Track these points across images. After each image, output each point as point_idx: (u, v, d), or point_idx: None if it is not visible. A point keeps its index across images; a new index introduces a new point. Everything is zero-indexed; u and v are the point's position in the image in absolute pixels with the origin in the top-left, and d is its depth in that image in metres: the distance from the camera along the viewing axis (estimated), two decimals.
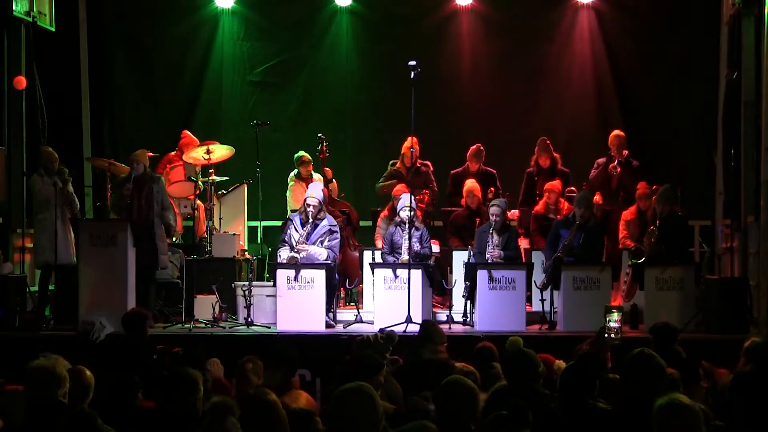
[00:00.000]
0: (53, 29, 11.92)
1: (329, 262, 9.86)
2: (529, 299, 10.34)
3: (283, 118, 13.03)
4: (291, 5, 13.37)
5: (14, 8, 11.04)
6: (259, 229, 12.12)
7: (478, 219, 11.04)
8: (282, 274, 9.76)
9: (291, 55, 13.41)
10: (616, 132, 11.71)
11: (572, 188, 11.55)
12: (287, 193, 11.70)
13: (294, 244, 9.95)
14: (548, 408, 4.95)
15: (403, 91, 10.08)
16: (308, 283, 9.70)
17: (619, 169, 11.45)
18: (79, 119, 12.67)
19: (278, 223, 11.50)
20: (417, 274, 9.74)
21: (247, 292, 10.01)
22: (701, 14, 12.78)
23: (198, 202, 11.37)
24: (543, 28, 13.30)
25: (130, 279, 9.69)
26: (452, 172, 11.92)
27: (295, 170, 11.67)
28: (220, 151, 11.43)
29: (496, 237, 10.21)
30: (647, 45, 13.04)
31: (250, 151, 11.76)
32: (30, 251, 10.70)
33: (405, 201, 10.21)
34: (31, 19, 11.31)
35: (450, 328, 9.79)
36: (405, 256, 10.03)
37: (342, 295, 11.06)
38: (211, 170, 11.30)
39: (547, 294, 10.04)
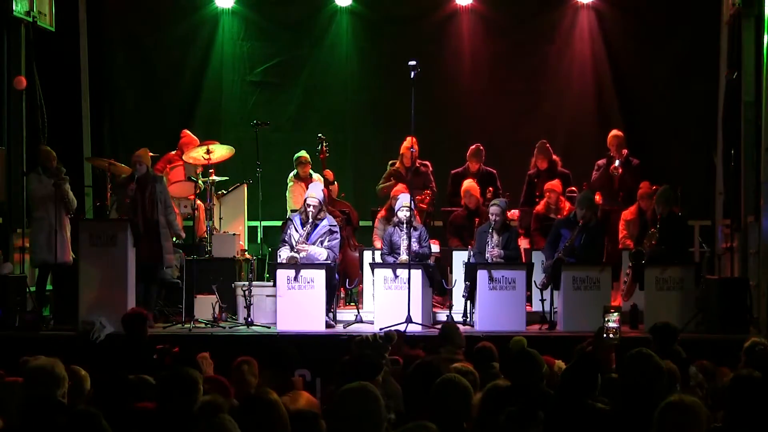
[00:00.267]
0: (53, 29, 11.91)
1: (329, 262, 9.86)
2: (529, 299, 10.35)
3: (283, 118, 13.03)
4: (291, 5, 13.37)
5: (14, 8, 11.04)
6: (259, 229, 12.13)
7: (477, 219, 11.04)
8: (282, 274, 9.77)
9: (291, 55, 13.41)
10: (614, 132, 11.72)
11: (573, 188, 11.55)
12: (287, 194, 11.70)
13: (294, 244, 9.95)
14: (550, 408, 4.95)
15: (403, 91, 10.09)
16: (308, 283, 9.70)
17: (620, 170, 11.46)
18: (79, 119, 12.65)
19: (278, 223, 11.50)
20: (417, 274, 9.75)
21: (247, 292, 10.01)
22: (701, 14, 12.77)
23: (198, 202, 11.37)
24: (543, 28, 13.30)
25: (130, 279, 9.69)
26: (452, 172, 11.93)
27: (295, 170, 11.68)
28: (220, 151, 11.43)
29: (495, 237, 10.22)
30: (647, 45, 13.04)
31: (250, 151, 11.77)
32: (28, 251, 10.70)
33: (403, 201, 10.21)
34: (31, 19, 11.31)
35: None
36: (404, 256, 10.03)
37: (342, 295, 11.06)
38: (211, 170, 11.30)
39: (547, 294, 10.05)
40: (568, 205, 11.17)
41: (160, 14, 13.32)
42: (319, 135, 11.70)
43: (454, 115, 13.22)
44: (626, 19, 13.13)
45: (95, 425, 4.41)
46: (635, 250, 10.08)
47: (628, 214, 11.14)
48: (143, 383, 5.49)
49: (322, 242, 9.96)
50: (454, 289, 10.47)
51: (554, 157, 11.85)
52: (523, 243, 11.21)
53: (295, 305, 9.70)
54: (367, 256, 11.04)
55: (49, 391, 4.78)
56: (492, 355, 6.72)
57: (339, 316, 10.28)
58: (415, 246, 10.13)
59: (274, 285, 9.89)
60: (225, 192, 12.05)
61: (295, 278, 9.72)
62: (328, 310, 9.84)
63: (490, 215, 10.31)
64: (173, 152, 11.96)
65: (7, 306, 9.78)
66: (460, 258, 10.57)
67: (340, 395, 4.07)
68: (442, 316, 10.35)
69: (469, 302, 10.13)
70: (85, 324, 9.43)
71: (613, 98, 13.08)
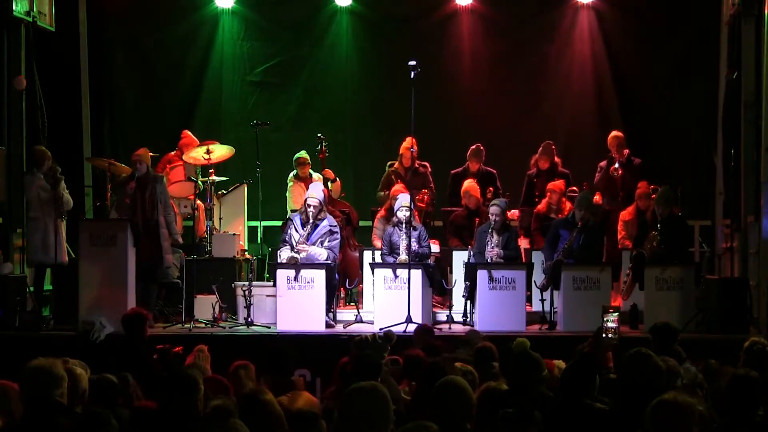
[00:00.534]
0: (53, 29, 11.91)
1: (329, 262, 9.86)
2: (529, 299, 10.35)
3: (283, 118, 13.02)
4: (291, 5, 13.36)
5: (14, 8, 11.04)
6: (259, 229, 12.13)
7: (477, 219, 11.04)
8: (282, 274, 9.77)
9: (291, 55, 13.41)
10: (614, 133, 11.73)
11: (574, 188, 11.55)
12: (287, 194, 11.71)
13: (294, 244, 9.95)
14: (549, 410, 4.96)
15: (403, 91, 10.09)
16: (308, 283, 9.70)
17: (620, 171, 11.46)
18: (79, 119, 12.65)
19: (278, 223, 11.50)
20: (417, 274, 9.75)
21: (247, 292, 10.01)
22: (701, 14, 12.78)
23: (198, 202, 11.37)
24: (543, 28, 13.30)
25: (130, 279, 9.69)
26: (452, 172, 11.93)
27: (294, 171, 11.69)
28: (220, 151, 11.43)
29: (495, 237, 10.22)
30: (647, 45, 13.04)
31: (250, 151, 11.77)
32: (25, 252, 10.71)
33: (402, 201, 10.21)
34: (31, 19, 11.30)
35: (450, 328, 9.81)
36: (404, 256, 10.03)
37: (342, 295, 11.06)
38: (211, 170, 11.30)
39: (547, 294, 10.06)
40: (569, 205, 11.17)
41: (160, 14, 13.32)
42: (319, 135, 11.70)
43: (454, 115, 13.22)
44: (626, 19, 13.13)
45: (105, 425, 4.41)
46: (636, 252, 10.07)
47: (626, 214, 11.14)
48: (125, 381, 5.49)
49: (322, 242, 9.96)
50: (454, 289, 10.46)
51: (556, 159, 11.86)
52: (523, 243, 11.22)
53: (295, 305, 9.70)
54: (367, 256, 11.04)
55: (48, 391, 4.77)
56: (492, 355, 6.72)
57: (339, 316, 10.28)
58: (414, 246, 10.13)
59: (274, 285, 9.89)
60: (225, 192, 12.06)
61: (295, 278, 9.72)
62: (328, 310, 9.84)
63: (490, 215, 10.31)
64: (173, 152, 11.96)
65: (7, 306, 9.78)
66: (460, 258, 10.57)
67: (350, 394, 4.07)
68: (442, 316, 10.35)
69: (469, 302, 10.13)
70: (85, 324, 9.42)
71: (613, 98, 13.09)
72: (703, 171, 12.51)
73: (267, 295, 10.17)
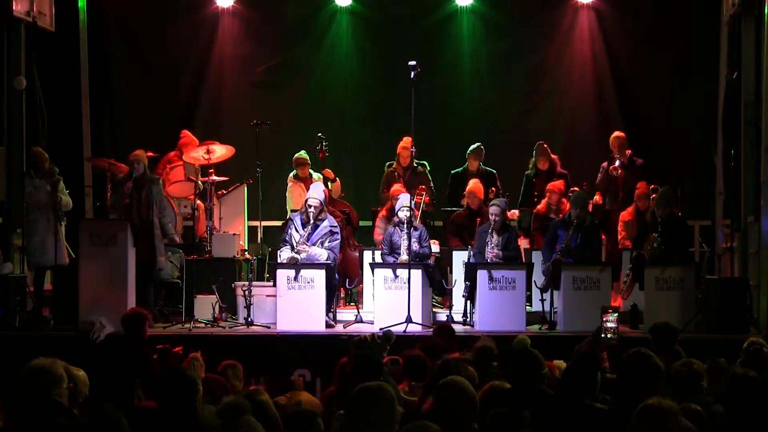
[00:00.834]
0: (53, 29, 11.91)
1: (329, 262, 9.86)
2: (529, 299, 10.35)
3: (283, 118, 13.01)
4: (291, 5, 13.37)
5: (14, 8, 11.04)
6: (259, 229, 12.13)
7: (479, 219, 11.03)
8: (282, 274, 9.76)
9: (291, 55, 13.41)
10: (616, 133, 11.75)
11: (575, 188, 11.55)
12: (287, 194, 11.70)
13: (295, 244, 9.95)
14: (548, 408, 4.96)
15: (403, 91, 10.09)
16: (308, 283, 9.70)
17: (620, 171, 11.47)
18: (79, 119, 12.65)
19: (278, 223, 11.50)
20: (417, 274, 9.74)
21: (247, 292, 10.01)
22: (701, 14, 12.78)
23: (198, 202, 11.37)
24: (543, 28, 13.31)
25: (130, 279, 9.69)
26: (452, 172, 11.93)
27: (294, 171, 11.69)
28: (220, 151, 11.43)
29: (495, 237, 10.22)
30: (647, 45, 13.04)
31: (250, 151, 11.76)
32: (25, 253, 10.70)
33: (403, 201, 10.21)
34: (31, 19, 11.30)
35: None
36: (404, 256, 10.03)
37: (342, 295, 11.06)
38: (211, 170, 11.30)
39: (547, 294, 10.05)
40: (569, 205, 11.16)
41: (160, 14, 13.32)
42: (319, 134, 11.70)
43: (454, 115, 13.23)
44: (626, 19, 13.13)
45: (115, 425, 4.41)
46: (637, 254, 10.06)
47: (626, 214, 11.14)
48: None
49: (322, 243, 9.96)
50: (454, 289, 10.46)
51: (552, 156, 11.86)
52: (523, 243, 11.22)
53: (295, 305, 9.70)
54: (367, 256, 11.04)
55: (47, 391, 4.77)
56: (492, 355, 6.72)
57: (339, 316, 10.28)
58: (415, 246, 10.13)
59: (274, 285, 9.89)
60: (225, 192, 12.06)
61: (295, 278, 9.72)
62: (328, 310, 9.84)
63: (490, 215, 10.32)
64: (173, 152, 11.96)
65: (7, 306, 9.78)
66: (460, 258, 10.57)
67: (356, 394, 4.07)
68: (443, 316, 10.35)
69: (469, 302, 10.13)
70: (84, 324, 9.42)
71: (613, 98, 13.09)
72: (703, 171, 12.51)
73: (267, 295, 10.17)
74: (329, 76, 13.39)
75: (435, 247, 11.00)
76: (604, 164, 11.66)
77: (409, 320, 9.46)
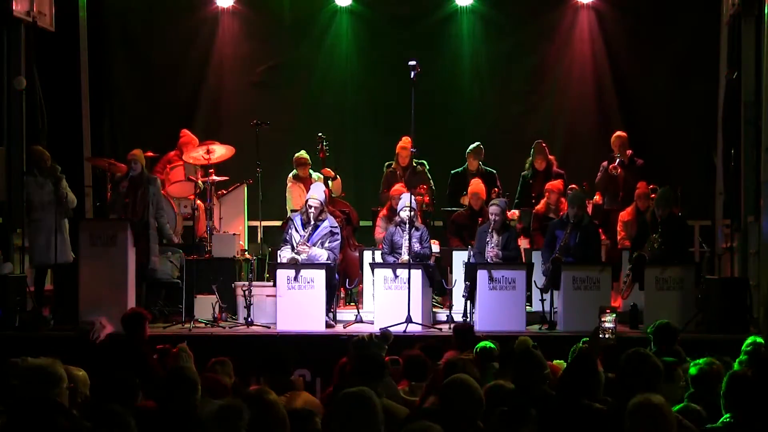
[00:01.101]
0: (53, 29, 11.91)
1: (329, 262, 9.86)
2: (529, 299, 10.35)
3: (283, 118, 13.00)
4: (291, 5, 13.36)
5: (14, 8, 11.04)
6: (259, 229, 12.13)
7: (480, 219, 11.02)
8: (282, 274, 9.77)
9: (291, 55, 13.42)
10: (617, 133, 11.77)
11: (574, 186, 11.54)
12: (286, 194, 11.71)
13: (295, 244, 9.95)
14: (547, 408, 4.96)
15: (403, 91, 10.09)
16: (308, 283, 9.70)
17: (619, 170, 11.48)
18: (79, 119, 12.64)
19: (278, 223, 11.50)
20: (417, 274, 9.74)
21: (247, 292, 10.01)
22: (701, 14, 12.79)
23: (198, 202, 11.37)
24: (543, 28, 13.31)
25: (130, 279, 9.70)
26: (452, 172, 11.94)
27: (294, 171, 11.69)
28: (220, 151, 11.43)
29: (495, 236, 10.22)
30: (647, 45, 13.05)
31: (250, 151, 11.76)
32: (27, 252, 10.70)
33: (405, 201, 10.21)
34: (31, 19, 11.30)
35: (450, 328, 9.80)
36: (405, 257, 10.03)
37: (342, 295, 11.06)
38: (211, 170, 11.30)
39: (547, 294, 10.05)
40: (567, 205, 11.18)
41: (160, 14, 13.33)
42: (320, 134, 11.71)
43: (453, 115, 13.24)
44: (626, 19, 13.13)
45: (124, 425, 4.42)
46: (637, 255, 10.05)
47: (625, 214, 11.14)
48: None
49: (323, 243, 9.96)
50: (454, 289, 10.46)
51: (549, 156, 11.87)
52: (523, 243, 11.22)
53: (295, 305, 9.70)
54: (367, 256, 11.04)
55: (46, 391, 4.77)
56: (492, 355, 6.72)
57: (339, 316, 10.28)
58: (416, 246, 10.13)
59: (274, 285, 9.89)
60: (225, 192, 12.06)
61: (295, 278, 9.72)
62: (328, 310, 9.84)
63: (490, 215, 10.32)
64: (173, 152, 11.96)
65: (7, 306, 9.78)
66: (460, 258, 10.57)
67: (340, 399, 4.07)
68: (443, 316, 10.35)
69: (469, 302, 10.12)
70: (84, 324, 9.42)
71: (613, 98, 13.09)
72: (703, 171, 12.50)
73: (267, 295, 10.17)
74: (329, 76, 13.39)
75: (435, 247, 11.00)
76: (604, 163, 11.66)
77: (409, 320, 9.46)
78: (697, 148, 12.70)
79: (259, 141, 11.58)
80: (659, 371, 4.79)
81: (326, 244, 9.96)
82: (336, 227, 10.11)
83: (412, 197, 10.35)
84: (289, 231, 10.11)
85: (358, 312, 10.36)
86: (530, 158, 11.86)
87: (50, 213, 9.97)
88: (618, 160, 11.50)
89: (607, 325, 5.98)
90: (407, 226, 10.11)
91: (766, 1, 10.29)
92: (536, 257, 10.65)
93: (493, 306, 9.77)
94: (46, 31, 11.75)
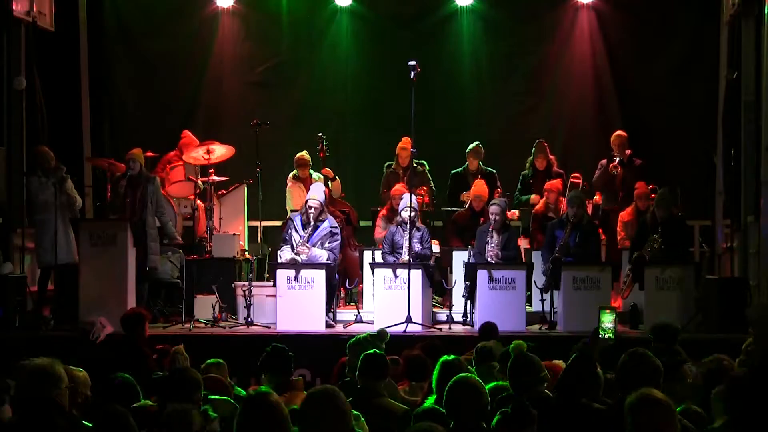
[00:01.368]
0: (53, 29, 11.91)
1: (329, 262, 9.86)
2: (529, 299, 10.35)
3: (283, 118, 13.01)
4: (291, 5, 13.36)
5: (14, 8, 11.04)
6: (259, 229, 12.13)
7: (482, 219, 11.02)
8: (282, 274, 9.77)
9: (291, 55, 13.41)
10: (617, 132, 11.76)
11: (577, 174, 11.50)
12: (286, 194, 11.71)
13: (295, 245, 9.95)
14: (547, 409, 4.96)
15: (403, 91, 10.09)
16: (308, 283, 9.70)
17: (619, 169, 11.47)
18: (79, 119, 12.65)
19: (278, 223, 11.50)
20: (417, 274, 9.74)
21: (247, 292, 10.01)
22: (701, 14, 12.79)
23: (198, 202, 11.36)
24: (543, 28, 13.30)
25: (130, 279, 9.70)
26: (453, 171, 11.94)
27: (294, 171, 11.69)
28: (220, 151, 11.43)
29: (495, 236, 10.22)
30: (647, 45, 13.04)
31: (250, 151, 11.76)
32: (30, 251, 10.70)
33: (406, 201, 10.21)
34: (31, 19, 11.31)
35: (450, 328, 9.81)
36: (405, 257, 10.03)
37: (342, 295, 11.06)
38: (211, 170, 11.30)
39: (547, 294, 10.05)
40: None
41: (160, 14, 13.32)
42: (320, 134, 11.71)
43: (453, 115, 13.23)
44: (626, 19, 13.12)
45: (124, 425, 4.42)
46: (637, 255, 10.05)
47: (625, 215, 11.14)
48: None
49: (322, 244, 9.96)
50: (454, 289, 10.46)
51: (550, 156, 11.87)
52: (523, 243, 11.22)
53: (295, 305, 9.70)
54: (367, 256, 11.04)
55: (45, 391, 4.76)
56: (492, 355, 6.72)
57: (339, 316, 10.28)
58: (417, 247, 10.12)
59: (274, 285, 9.89)
60: (225, 192, 12.06)
61: (295, 278, 9.72)
62: (328, 310, 9.84)
63: (490, 214, 10.32)
64: (173, 152, 11.96)
65: (7, 306, 9.78)
66: (460, 258, 10.57)
67: (306, 401, 4.08)
68: (443, 316, 10.35)
69: (469, 302, 10.13)
70: (85, 324, 9.42)
71: (613, 98, 13.09)
72: (703, 171, 12.50)
73: (267, 295, 10.17)
74: (329, 76, 13.38)
75: (435, 247, 11.00)
76: (603, 162, 11.66)
77: (409, 320, 9.46)
78: (697, 148, 12.70)
79: (259, 141, 11.59)
80: (659, 371, 4.79)
81: (326, 245, 9.96)
82: (336, 227, 10.11)
83: (413, 197, 10.35)
84: (289, 231, 10.11)
85: (358, 312, 10.37)
86: (531, 157, 11.87)
87: (55, 213, 9.94)
88: (618, 160, 11.50)
89: (606, 325, 5.98)
90: (408, 226, 10.10)
91: (766, 1, 10.29)
92: (536, 257, 10.65)
93: (493, 306, 9.76)
94: (46, 31, 11.75)
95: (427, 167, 11.81)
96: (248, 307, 9.97)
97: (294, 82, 13.37)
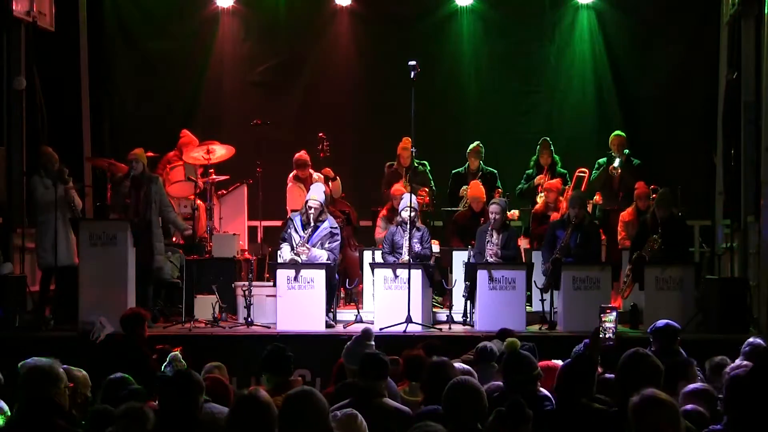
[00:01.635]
0: (53, 29, 11.91)
1: (329, 262, 9.86)
2: (529, 299, 10.35)
3: (283, 118, 13.00)
4: (291, 5, 13.36)
5: (14, 8, 11.04)
6: (259, 229, 12.13)
7: (483, 219, 11.02)
8: (282, 274, 9.76)
9: (291, 55, 13.41)
10: (616, 133, 11.77)
11: (584, 169, 11.49)
12: (287, 194, 11.70)
13: (295, 245, 9.94)
14: (544, 409, 4.96)
15: (403, 91, 10.08)
16: (308, 283, 9.70)
17: (619, 170, 11.47)
18: (79, 119, 12.65)
19: (278, 223, 11.50)
20: (417, 274, 9.74)
21: (247, 292, 10.01)
22: (701, 14, 12.80)
23: (198, 202, 11.37)
24: (543, 28, 13.30)
25: (130, 279, 9.70)
26: (453, 171, 11.94)
27: (294, 171, 11.69)
28: (220, 151, 11.44)
29: (495, 236, 10.23)
30: (647, 45, 13.05)
31: (250, 151, 11.76)
32: (30, 251, 10.69)
33: (406, 201, 10.21)
34: (31, 19, 11.30)
35: (450, 328, 9.81)
36: (405, 257, 10.03)
37: (342, 295, 11.06)
38: (211, 170, 11.30)
39: (547, 294, 10.05)
40: (566, 204, 11.18)
41: (160, 14, 13.33)
42: (320, 134, 11.71)
43: (454, 115, 13.23)
44: (626, 19, 13.13)
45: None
46: (637, 256, 10.05)
47: (626, 215, 11.15)
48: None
49: (322, 244, 9.96)
50: (454, 289, 10.46)
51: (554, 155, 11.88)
52: (523, 243, 11.22)
53: (295, 305, 9.70)
54: (367, 256, 11.04)
55: (44, 391, 4.77)
56: (492, 355, 6.72)
57: (339, 316, 10.28)
58: (417, 247, 10.12)
59: (274, 285, 9.89)
60: (225, 192, 12.06)
61: (295, 278, 9.72)
62: (328, 310, 9.84)
63: (489, 214, 10.33)
64: (172, 152, 11.96)
65: (7, 306, 9.78)
66: (460, 258, 10.57)
67: (285, 402, 4.09)
68: (443, 316, 10.35)
69: (469, 302, 10.13)
70: (85, 324, 9.42)
71: (613, 98, 13.09)
72: (703, 171, 12.51)
73: (267, 295, 10.17)
74: (329, 76, 13.38)
75: (435, 247, 11.00)
76: (600, 161, 11.67)
77: (409, 320, 9.46)
78: (697, 148, 12.70)
79: (259, 141, 11.58)
80: (659, 371, 4.79)
81: (326, 245, 9.95)
82: (336, 228, 10.10)
83: (413, 197, 10.35)
84: (289, 230, 10.11)
85: (358, 312, 10.37)
86: (535, 156, 11.87)
87: (56, 215, 9.94)
88: (618, 161, 11.50)
89: (607, 324, 5.97)
90: (408, 226, 10.10)
91: (766, 2, 10.29)
92: (536, 257, 10.66)
93: (493, 306, 9.77)
94: (46, 31, 11.75)
95: (428, 167, 11.81)
96: (248, 307, 9.97)
97: (294, 81, 13.36)
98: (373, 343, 6.91)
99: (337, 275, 10.08)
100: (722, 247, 11.74)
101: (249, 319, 9.93)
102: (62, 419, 4.72)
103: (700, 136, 12.66)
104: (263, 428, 4.07)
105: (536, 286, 10.10)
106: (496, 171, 11.89)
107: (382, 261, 10.35)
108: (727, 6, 11.89)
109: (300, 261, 9.85)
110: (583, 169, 11.67)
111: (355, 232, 11.68)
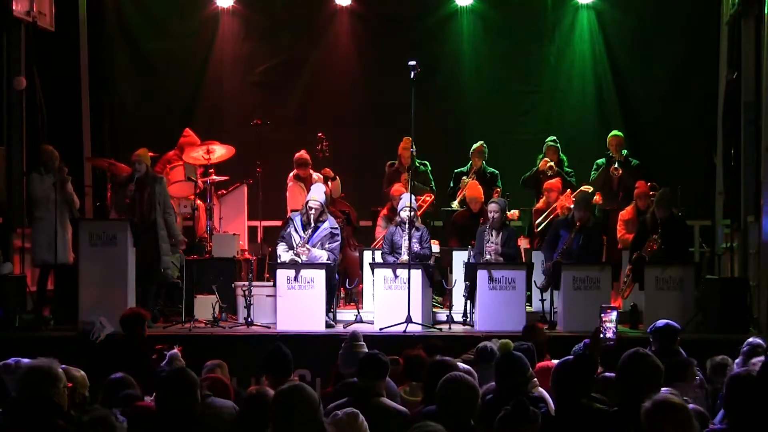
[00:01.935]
0: (53, 29, 11.91)
1: (329, 262, 9.86)
2: (529, 299, 10.35)
3: (283, 118, 13.00)
4: (291, 5, 13.36)
5: (14, 8, 11.04)
6: (259, 229, 12.12)
7: (482, 219, 11.02)
8: (282, 274, 9.76)
9: (291, 55, 13.40)
10: (614, 132, 11.77)
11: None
12: (287, 194, 11.70)
13: (294, 245, 9.94)
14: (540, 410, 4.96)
15: (403, 91, 10.08)
16: (308, 283, 9.70)
17: (620, 171, 11.47)
18: (79, 119, 12.66)
19: (278, 223, 11.50)
20: (417, 274, 9.74)
21: (247, 292, 10.01)
22: (701, 14, 12.80)
23: (198, 202, 11.36)
24: (543, 28, 13.30)
25: (130, 279, 9.70)
26: (456, 171, 11.95)
27: (294, 171, 11.69)
28: (220, 151, 11.44)
29: (494, 235, 10.23)
30: (647, 45, 13.04)
31: (250, 151, 11.76)
32: (30, 251, 10.70)
33: (406, 201, 10.21)
34: (31, 19, 11.31)
35: (450, 328, 9.81)
36: (405, 257, 10.03)
37: (342, 295, 11.06)
38: (211, 170, 11.30)
39: (547, 294, 10.06)
40: (564, 202, 11.19)
41: (160, 14, 13.33)
42: (320, 134, 11.71)
43: (454, 115, 13.23)
44: (626, 19, 13.13)
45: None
46: (637, 256, 10.05)
47: (626, 214, 11.15)
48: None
49: (323, 245, 9.95)
50: (454, 289, 10.46)
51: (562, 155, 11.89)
52: (523, 243, 11.21)
53: (295, 305, 9.70)
54: (367, 256, 11.04)
55: (43, 391, 4.76)
56: (492, 355, 6.71)
57: (339, 316, 10.28)
58: (416, 247, 10.12)
59: (274, 285, 9.89)
60: (225, 192, 12.06)
61: (295, 278, 9.72)
62: (328, 310, 9.84)
63: (488, 213, 10.33)
64: (172, 152, 11.96)
65: (7, 306, 9.78)
66: (460, 258, 10.57)
67: (276, 397, 4.09)
68: (443, 316, 10.35)
69: (469, 302, 10.13)
70: (85, 324, 9.42)
71: (613, 98, 13.09)
72: (703, 171, 12.51)
73: (267, 295, 10.17)
74: (329, 76, 13.37)
75: (435, 247, 11.00)
76: (599, 162, 11.67)
77: (409, 320, 9.46)
78: (697, 148, 12.70)
79: (259, 141, 11.58)
80: (659, 371, 4.79)
81: (326, 246, 9.95)
82: (336, 228, 10.10)
83: (413, 197, 10.35)
84: (288, 230, 10.11)
85: (358, 312, 10.37)
86: (541, 155, 11.86)
87: (53, 212, 9.95)
88: (617, 161, 11.50)
89: (607, 324, 5.97)
90: (407, 226, 10.10)
91: (766, 2, 10.29)
92: (536, 257, 10.66)
93: (493, 306, 9.77)
94: (46, 31, 11.76)
95: (429, 167, 11.81)
96: (248, 307, 9.97)
97: (294, 82, 13.36)
98: (363, 343, 6.92)
99: (337, 275, 10.08)
100: (722, 247, 11.76)
101: (249, 319, 9.93)
102: (61, 419, 4.72)
103: (700, 136, 12.66)
104: (308, 415, 4.07)
105: (536, 286, 10.10)
106: (497, 171, 11.88)
107: (381, 261, 10.35)
108: (727, 6, 11.89)
109: (300, 261, 9.85)
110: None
111: (355, 232, 11.68)
